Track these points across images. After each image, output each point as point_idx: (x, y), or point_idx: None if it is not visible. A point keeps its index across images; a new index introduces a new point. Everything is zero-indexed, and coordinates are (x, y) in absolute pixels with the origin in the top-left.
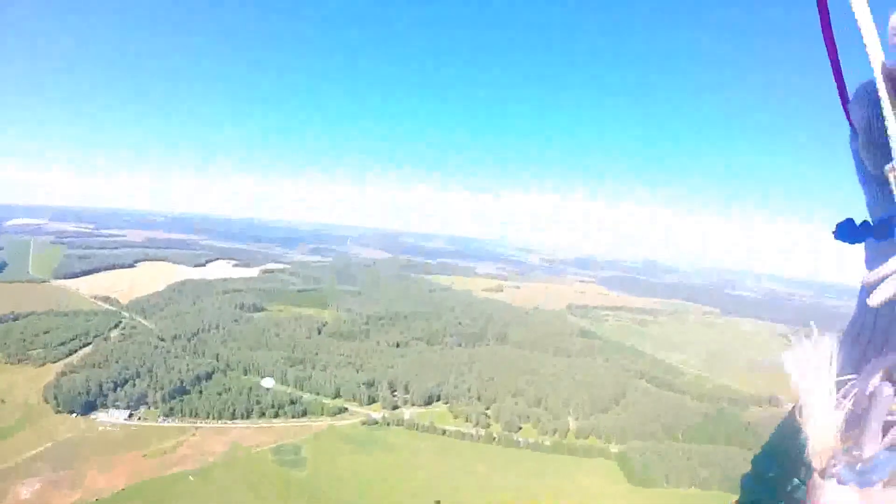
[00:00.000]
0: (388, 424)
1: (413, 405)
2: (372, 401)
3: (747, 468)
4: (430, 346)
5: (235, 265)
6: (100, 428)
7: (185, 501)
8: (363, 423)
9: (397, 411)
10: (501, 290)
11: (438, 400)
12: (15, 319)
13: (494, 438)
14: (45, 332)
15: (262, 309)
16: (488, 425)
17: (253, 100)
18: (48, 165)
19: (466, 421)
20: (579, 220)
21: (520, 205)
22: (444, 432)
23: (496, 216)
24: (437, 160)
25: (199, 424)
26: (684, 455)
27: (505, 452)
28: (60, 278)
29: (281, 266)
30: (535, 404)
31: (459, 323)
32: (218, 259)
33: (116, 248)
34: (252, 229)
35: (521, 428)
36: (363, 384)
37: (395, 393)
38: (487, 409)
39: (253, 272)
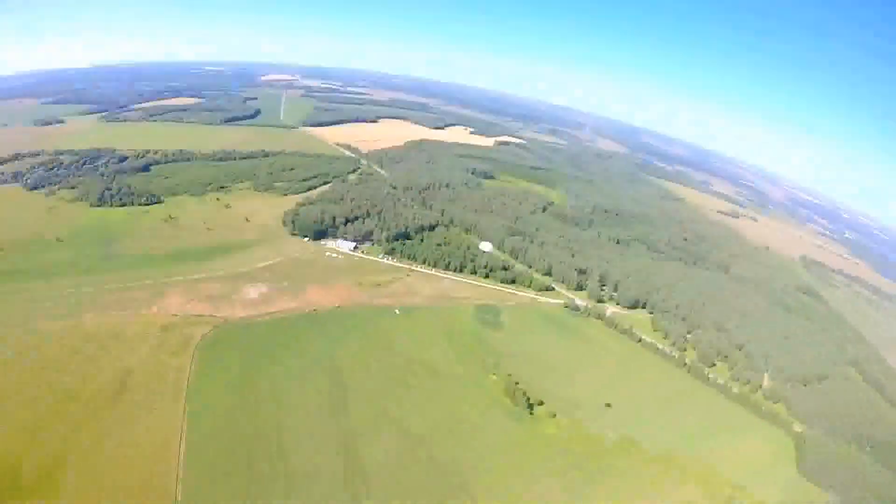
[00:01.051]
0: (589, 315)
1: (618, 304)
2: (580, 288)
3: None
4: (650, 252)
5: (472, 132)
6: (326, 254)
7: (387, 329)
8: (565, 306)
9: (601, 305)
10: (736, 217)
11: (643, 307)
12: (265, 156)
13: (686, 365)
14: (291, 169)
15: (492, 177)
16: (684, 349)
17: None
18: (303, 27)
19: (665, 338)
20: (845, 167)
21: (783, 132)
22: (639, 340)
23: (753, 135)
24: (699, 69)
25: (414, 268)
26: (869, 470)
27: (690, 383)
28: (308, 126)
29: (517, 140)
30: (736, 347)
31: (685, 238)
32: (456, 125)
33: (361, 104)
34: (494, 102)
35: (714, 365)
36: (575, 270)
37: (604, 287)
38: (689, 333)
39: (489, 142)
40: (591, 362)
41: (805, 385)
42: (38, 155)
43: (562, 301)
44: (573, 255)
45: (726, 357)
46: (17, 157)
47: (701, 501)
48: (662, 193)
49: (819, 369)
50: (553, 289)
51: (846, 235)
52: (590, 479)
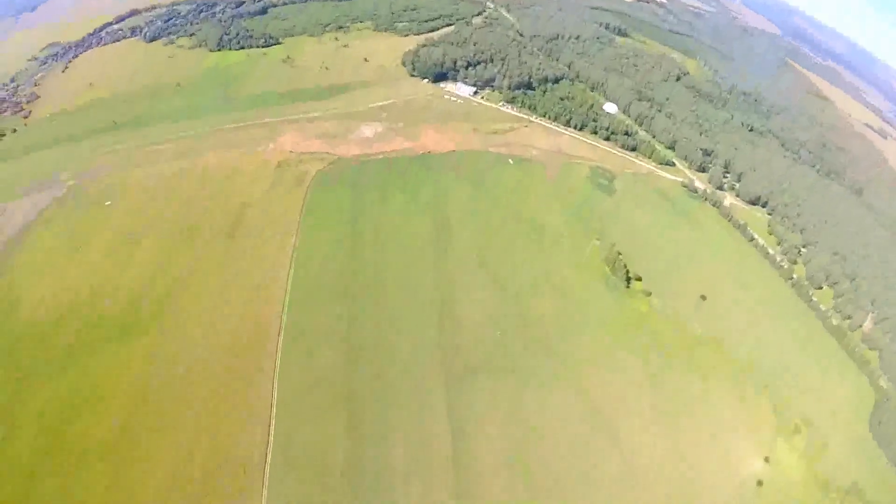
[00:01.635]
0: (706, 200)
1: (737, 196)
2: (701, 170)
3: None
4: (783, 150)
5: None
6: (444, 97)
7: (498, 179)
8: (683, 185)
9: (720, 193)
10: (884, 138)
11: (763, 206)
12: None
13: (791, 279)
14: (413, 9)
15: (627, 35)
16: (794, 262)
17: None
18: None
19: (777, 245)
20: None
21: None
22: (751, 240)
23: None
24: None
25: (533, 120)
26: None
27: (791, 299)
28: None
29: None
30: (847, 277)
31: (824, 145)
32: None
33: None
34: None
35: (821, 288)
36: (701, 149)
37: (727, 175)
38: (803, 247)
39: None
40: (697, 250)
41: None
42: (154, 8)
43: (680, 179)
44: (701, 134)
45: (835, 284)
46: (133, 12)
47: (768, 422)
48: (808, 87)
49: None
50: (674, 164)
51: None
52: (667, 366)
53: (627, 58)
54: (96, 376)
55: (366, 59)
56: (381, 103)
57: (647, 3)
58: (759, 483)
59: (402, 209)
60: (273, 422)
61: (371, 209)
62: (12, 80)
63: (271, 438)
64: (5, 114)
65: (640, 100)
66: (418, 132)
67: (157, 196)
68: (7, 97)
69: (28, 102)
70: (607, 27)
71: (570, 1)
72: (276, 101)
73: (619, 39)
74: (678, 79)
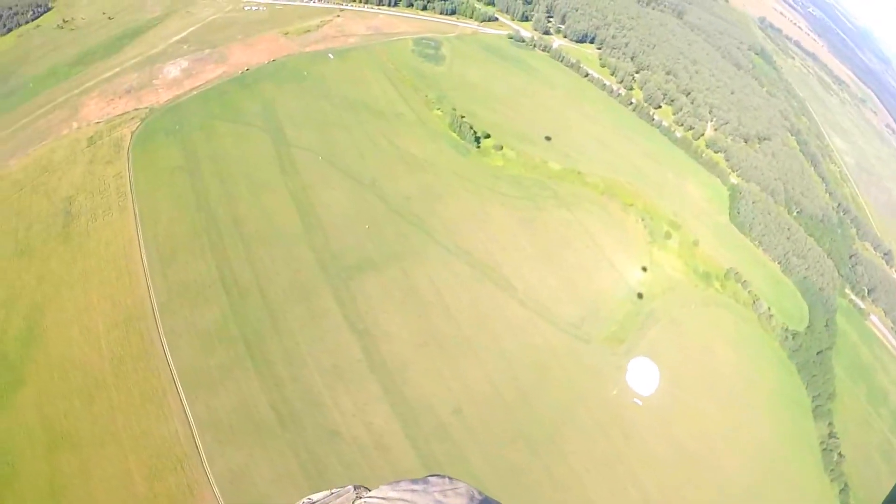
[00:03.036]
0: (535, 47)
1: (565, 37)
2: (525, 19)
3: None
4: None
5: None
6: (244, 8)
7: (322, 76)
8: (510, 38)
9: (547, 38)
10: None
11: (591, 42)
12: None
13: (632, 104)
14: None
15: None
16: (631, 89)
17: None
18: None
19: (612, 75)
20: None
21: None
22: (586, 75)
23: None
24: None
25: (344, 6)
26: (793, 231)
27: (635, 122)
28: None
29: None
30: (683, 93)
31: None
32: None
33: None
34: None
35: (660, 107)
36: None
37: (551, 19)
38: (637, 72)
39: None
40: (536, 95)
41: (746, 142)
42: None
43: (506, 32)
44: None
45: (672, 101)
46: None
47: (642, 231)
48: None
49: (761, 130)
50: (496, 20)
51: (810, 10)
52: (535, 208)
53: None
54: None
55: None
56: (178, 36)
57: None
58: (640, 296)
59: (232, 137)
60: (184, 402)
61: (201, 149)
62: None
63: (192, 422)
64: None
65: None
66: (226, 54)
67: None
68: None
69: None
70: None
71: None
72: (65, 74)
73: None
74: None
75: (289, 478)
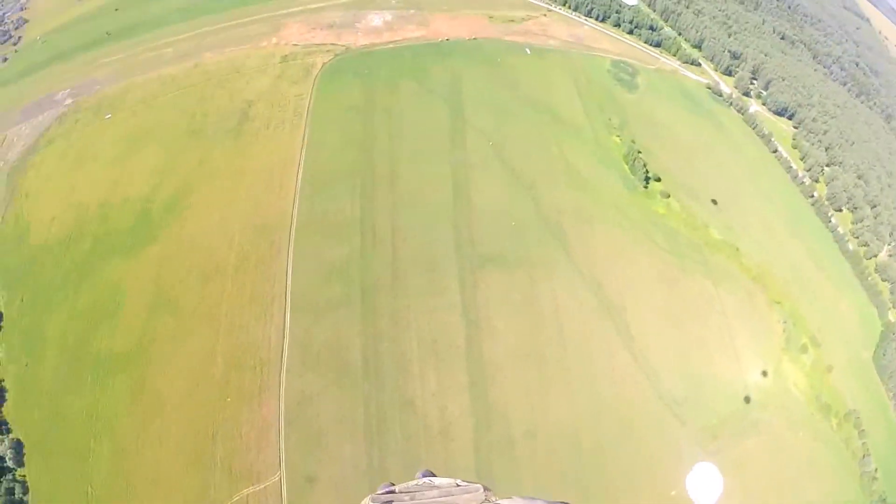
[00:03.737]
0: (730, 106)
1: (763, 104)
2: (728, 73)
3: None
4: (814, 63)
5: None
6: None
7: (515, 67)
8: (708, 87)
9: (745, 99)
10: None
11: (790, 118)
12: None
13: (812, 197)
14: None
15: None
16: (816, 181)
17: None
18: None
19: (801, 159)
20: None
21: None
22: (774, 151)
23: None
24: None
25: (552, 8)
26: None
27: (809, 217)
28: None
29: None
30: (869, 204)
31: (857, 64)
32: None
33: None
34: None
35: (840, 210)
36: (729, 52)
37: (754, 81)
38: (827, 165)
39: None
40: (717, 155)
41: None
42: None
43: (705, 80)
44: (729, 36)
45: (855, 209)
46: None
47: (779, 334)
48: (845, 2)
49: None
50: (699, 65)
51: None
52: (681, 268)
53: None
54: (110, 290)
55: None
56: None
57: None
58: (747, 399)
59: (414, 98)
60: (287, 318)
61: (382, 99)
62: None
63: (287, 336)
64: None
65: None
66: (430, 20)
67: (157, 102)
68: None
69: (17, 28)
70: None
71: None
72: None
73: None
74: None
75: (350, 423)
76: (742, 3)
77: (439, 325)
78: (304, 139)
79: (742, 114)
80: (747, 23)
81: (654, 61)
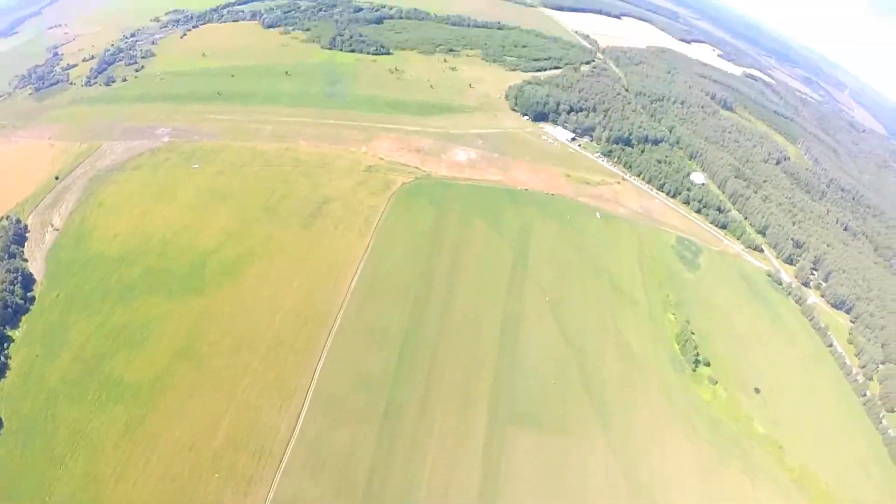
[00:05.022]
0: (789, 295)
1: (822, 296)
2: (789, 261)
3: None
4: (876, 255)
5: (720, 55)
6: (542, 137)
7: (583, 229)
8: (768, 275)
9: (804, 289)
10: None
11: (847, 312)
12: (499, 28)
13: (864, 396)
14: (523, 46)
15: (731, 109)
16: (870, 378)
17: None
18: None
19: (856, 356)
20: None
21: None
22: (829, 345)
23: None
24: None
25: (626, 177)
26: None
27: (860, 417)
28: (548, 7)
29: (765, 78)
30: None
31: None
32: (704, 43)
33: None
34: (749, 29)
35: (893, 411)
36: (792, 240)
37: (814, 271)
38: (882, 363)
39: (736, 70)
40: (770, 345)
41: None
42: None
43: (766, 268)
44: (794, 224)
45: None
46: None
47: None
48: None
49: None
50: (762, 251)
51: None
52: (720, 461)
53: (730, 132)
54: (145, 322)
55: (471, 86)
56: (478, 130)
57: (755, 80)
58: None
59: (482, 236)
60: (303, 414)
61: (452, 230)
62: (132, 35)
63: (297, 430)
64: (119, 62)
65: (737, 177)
66: (511, 166)
67: (245, 170)
68: (125, 49)
69: (143, 58)
70: (713, 97)
71: (680, 65)
72: (378, 108)
73: (723, 112)
74: (778, 162)
75: None
76: (808, 192)
77: (455, 470)
78: (368, 247)
79: (800, 304)
80: (812, 212)
81: (719, 243)
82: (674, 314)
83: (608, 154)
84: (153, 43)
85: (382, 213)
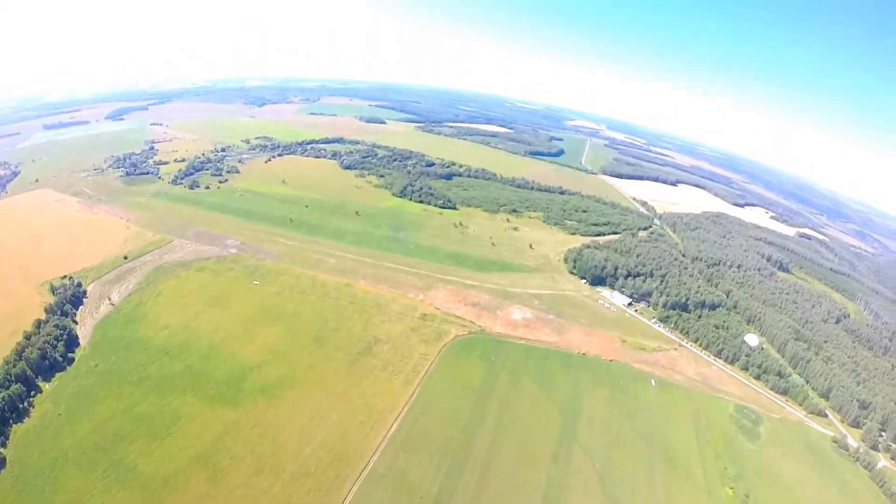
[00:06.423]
0: (856, 461)
1: (893, 459)
2: (855, 424)
3: None
4: None
5: (773, 217)
6: (598, 301)
7: (637, 396)
8: (833, 441)
9: (873, 453)
10: None
11: None
12: (561, 193)
13: None
14: (584, 211)
15: (787, 270)
16: None
17: None
18: (609, 80)
19: None
20: None
21: None
22: None
23: None
24: None
25: (683, 343)
26: None
27: None
28: (607, 175)
29: (819, 236)
30: None
31: None
32: (757, 206)
33: (663, 164)
34: (799, 189)
35: None
36: (857, 401)
37: (883, 433)
38: None
39: (789, 231)
40: None
41: None
42: (358, 143)
43: (831, 433)
44: (858, 384)
45: None
46: (340, 140)
47: None
48: None
49: None
50: (826, 416)
51: None
52: None
53: (787, 294)
54: (173, 417)
55: (531, 246)
56: (535, 291)
57: (809, 239)
58: None
59: (532, 398)
60: None
61: (501, 388)
62: (223, 149)
63: None
64: (206, 171)
65: (796, 339)
66: (566, 328)
67: (302, 296)
68: (213, 161)
69: (228, 172)
70: (769, 259)
71: (735, 229)
72: (439, 259)
73: (780, 273)
74: (838, 321)
75: None
76: (871, 348)
77: None
78: (412, 395)
79: (869, 470)
80: (876, 369)
81: (780, 410)
82: (732, 488)
83: (665, 320)
84: (240, 161)
85: (432, 362)
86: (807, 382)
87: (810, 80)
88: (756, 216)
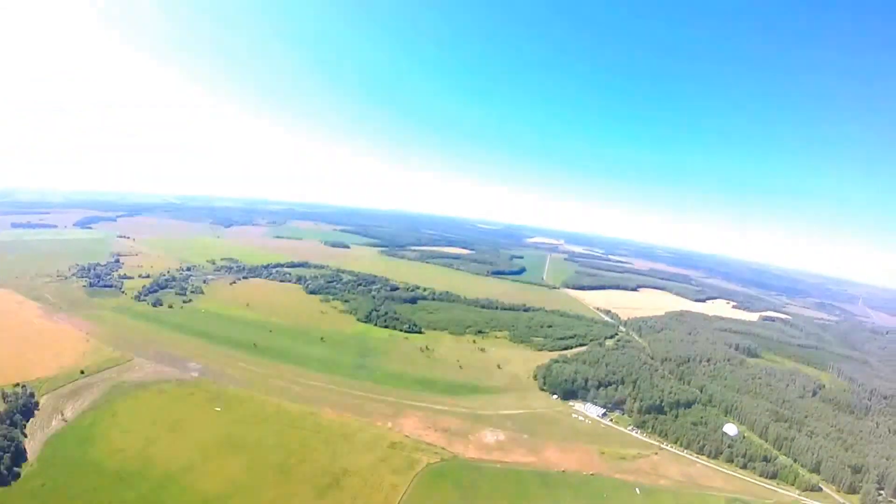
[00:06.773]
0: None
1: None
2: (851, 490)
3: None
4: None
5: (735, 307)
6: (572, 415)
7: None
8: None
9: None
10: None
11: None
12: (525, 310)
13: None
14: (549, 326)
15: (756, 355)
16: None
17: None
18: (563, 197)
19: None
20: None
21: None
22: None
23: None
24: None
25: (664, 446)
26: None
27: None
28: (570, 288)
29: (782, 316)
30: None
31: None
32: (718, 298)
33: (623, 272)
34: (757, 275)
35: None
36: (848, 467)
37: (881, 491)
38: None
39: (752, 316)
40: None
41: None
42: (323, 268)
43: None
44: (846, 450)
45: None
46: (305, 264)
47: None
48: None
49: None
50: (820, 489)
51: None
52: None
53: (760, 378)
54: None
55: (499, 366)
56: (507, 412)
57: (773, 321)
58: None
59: None
60: None
61: None
62: (189, 269)
63: None
64: (170, 290)
65: (776, 420)
66: (542, 447)
67: (265, 425)
68: (178, 279)
69: (192, 292)
70: (737, 348)
71: (699, 324)
72: (406, 385)
73: (749, 360)
74: (814, 394)
75: None
76: (852, 412)
77: None
78: None
79: None
80: (861, 431)
81: (772, 494)
82: None
83: (641, 425)
84: (204, 282)
85: (404, 494)
86: (795, 461)
87: (739, 180)
88: (718, 308)
